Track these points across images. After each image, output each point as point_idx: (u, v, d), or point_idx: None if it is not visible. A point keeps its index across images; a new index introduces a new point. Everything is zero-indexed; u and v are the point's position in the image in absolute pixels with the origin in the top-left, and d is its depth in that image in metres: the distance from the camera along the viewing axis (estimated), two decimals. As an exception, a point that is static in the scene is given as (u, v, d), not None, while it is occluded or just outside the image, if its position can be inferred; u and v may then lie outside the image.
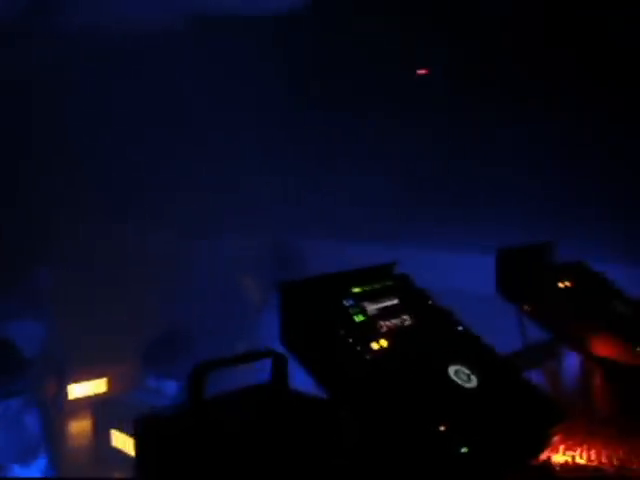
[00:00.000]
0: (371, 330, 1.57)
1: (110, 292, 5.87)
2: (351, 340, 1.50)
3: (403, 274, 1.81)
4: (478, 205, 5.02)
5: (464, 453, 1.32)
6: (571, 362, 2.25)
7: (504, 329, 2.12)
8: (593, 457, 1.75)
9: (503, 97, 5.11)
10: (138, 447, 1.38)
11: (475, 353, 1.65)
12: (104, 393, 6.48)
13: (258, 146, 6.20)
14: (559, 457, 1.73)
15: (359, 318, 1.58)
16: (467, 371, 1.55)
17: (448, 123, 5.41)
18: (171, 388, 4.21)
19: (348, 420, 1.43)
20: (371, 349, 1.51)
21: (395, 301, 1.71)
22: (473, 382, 1.53)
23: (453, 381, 1.51)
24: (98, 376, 6.35)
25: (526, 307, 2.22)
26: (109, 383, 6.57)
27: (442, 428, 1.35)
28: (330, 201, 6.04)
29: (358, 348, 1.49)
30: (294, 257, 4.64)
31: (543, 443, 1.59)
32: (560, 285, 2.29)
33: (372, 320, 1.60)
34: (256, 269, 4.95)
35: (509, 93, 5.06)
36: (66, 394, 6.09)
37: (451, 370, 1.53)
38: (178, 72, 6.20)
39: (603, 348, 2.10)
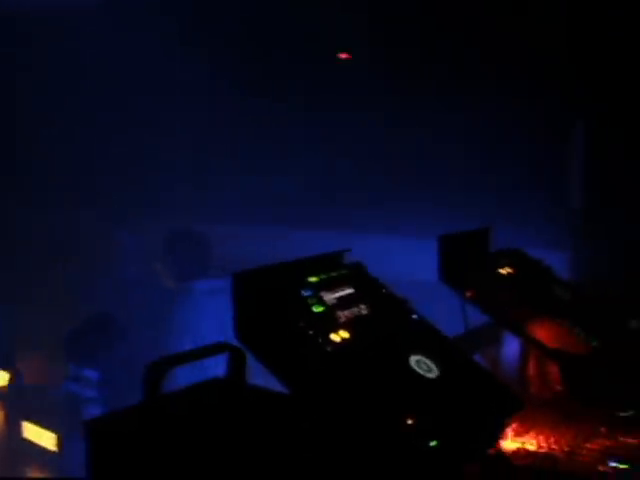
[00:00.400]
0: (330, 321, 1.53)
1: (41, 280, 5.69)
2: (312, 332, 1.46)
3: (357, 262, 1.77)
4: (411, 190, 5.04)
5: (433, 446, 1.30)
6: (512, 347, 2.27)
7: (441, 315, 2.11)
8: (543, 443, 1.76)
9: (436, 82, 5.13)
10: (92, 447, 1.29)
11: (432, 342, 1.64)
12: (2, 387, 6.21)
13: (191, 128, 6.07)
14: (509, 444, 1.74)
15: (318, 309, 1.54)
16: (427, 361, 1.53)
17: (383, 108, 5.39)
18: (93, 377, 4.07)
19: (311, 415, 1.39)
20: (332, 341, 1.47)
21: (350, 290, 1.67)
22: (434, 372, 1.52)
23: (415, 371, 1.49)
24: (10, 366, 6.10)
25: (468, 293, 2.23)
26: (11, 375, 6.30)
27: (410, 422, 1.33)
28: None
29: (320, 340, 1.45)
30: (197, 244, 4.49)
31: (500, 432, 1.59)
32: (501, 271, 2.31)
33: (331, 310, 1.56)
34: (164, 257, 4.79)
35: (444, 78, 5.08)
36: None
37: (412, 360, 1.51)
38: (101, 50, 5.97)
39: (544, 333, 2.13)
